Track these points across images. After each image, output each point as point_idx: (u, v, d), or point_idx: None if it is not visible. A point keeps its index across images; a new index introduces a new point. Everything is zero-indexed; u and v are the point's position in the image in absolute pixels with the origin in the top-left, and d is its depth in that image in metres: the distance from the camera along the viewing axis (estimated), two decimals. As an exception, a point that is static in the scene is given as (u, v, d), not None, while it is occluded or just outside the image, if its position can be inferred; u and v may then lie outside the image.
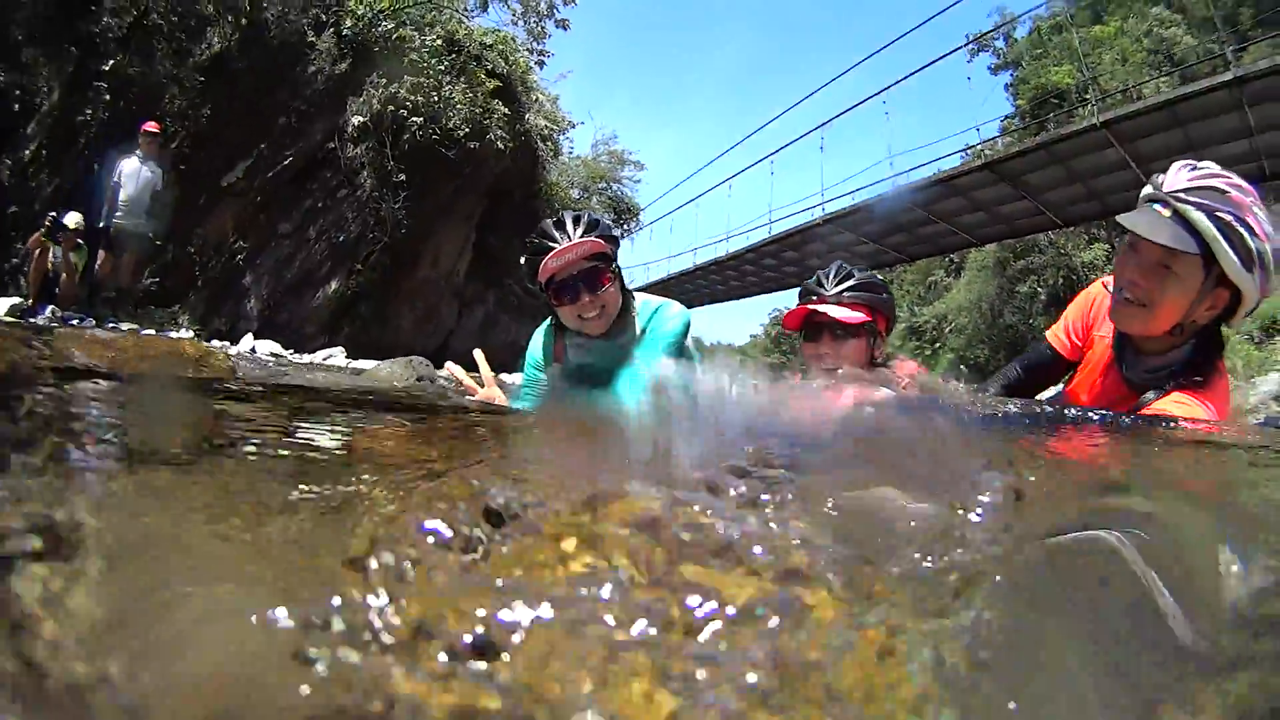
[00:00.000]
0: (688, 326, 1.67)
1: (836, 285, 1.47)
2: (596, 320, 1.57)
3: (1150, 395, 1.19)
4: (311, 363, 7.30)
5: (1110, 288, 1.26)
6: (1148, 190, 1.18)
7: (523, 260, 1.59)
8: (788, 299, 24.38)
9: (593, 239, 1.51)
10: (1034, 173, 9.66)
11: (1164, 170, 1.19)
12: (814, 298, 1.48)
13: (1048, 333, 1.48)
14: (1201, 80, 9.44)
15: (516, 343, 2.44)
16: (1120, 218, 1.15)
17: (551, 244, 1.51)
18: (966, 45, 11.01)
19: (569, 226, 1.54)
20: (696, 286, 15.39)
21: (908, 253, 12.15)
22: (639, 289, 1.81)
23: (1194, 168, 1.14)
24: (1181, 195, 1.10)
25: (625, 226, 13.34)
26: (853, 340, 1.45)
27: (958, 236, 11.15)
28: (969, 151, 10.86)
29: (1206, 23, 14.78)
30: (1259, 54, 11.47)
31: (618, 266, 1.60)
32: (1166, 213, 1.10)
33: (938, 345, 22.37)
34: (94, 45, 7.49)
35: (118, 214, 6.07)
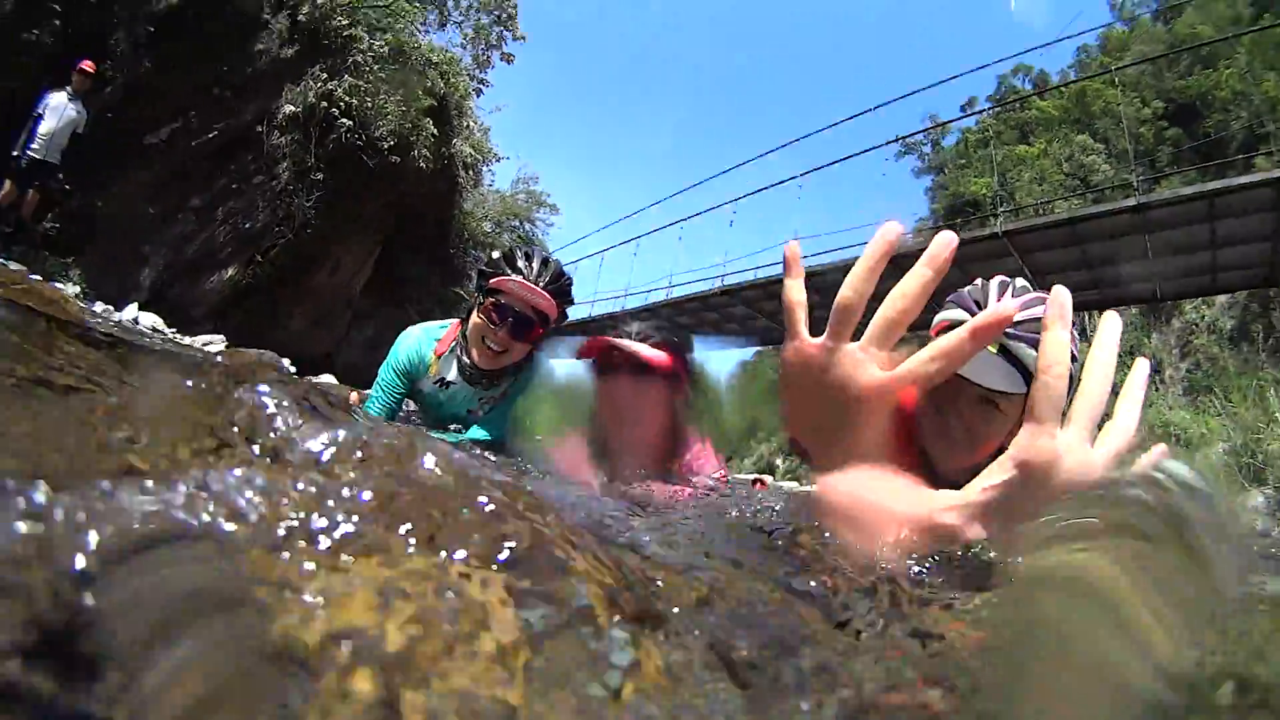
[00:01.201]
0: (549, 392, 1.73)
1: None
2: (492, 355, 1.58)
3: None
4: (190, 344, 7.29)
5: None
6: (960, 315, 1.05)
7: (495, 254, 1.64)
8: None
9: (551, 302, 1.56)
10: (933, 272, 10.35)
11: (972, 287, 1.09)
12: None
13: None
14: (1105, 204, 10.30)
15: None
16: None
17: (524, 274, 1.55)
18: (889, 144, 11.77)
19: (543, 269, 1.58)
20: (591, 335, 15.67)
21: (799, 333, 12.60)
22: None
23: (1015, 291, 1.05)
24: (1011, 330, 0.99)
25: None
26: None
27: (851, 323, 11.70)
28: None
29: (1125, 155, 16.27)
30: (1169, 188, 12.66)
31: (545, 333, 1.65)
32: (993, 349, 1.00)
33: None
34: (58, -37, 7.26)
35: (33, 146, 5.94)
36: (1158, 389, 18.01)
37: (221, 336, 7.47)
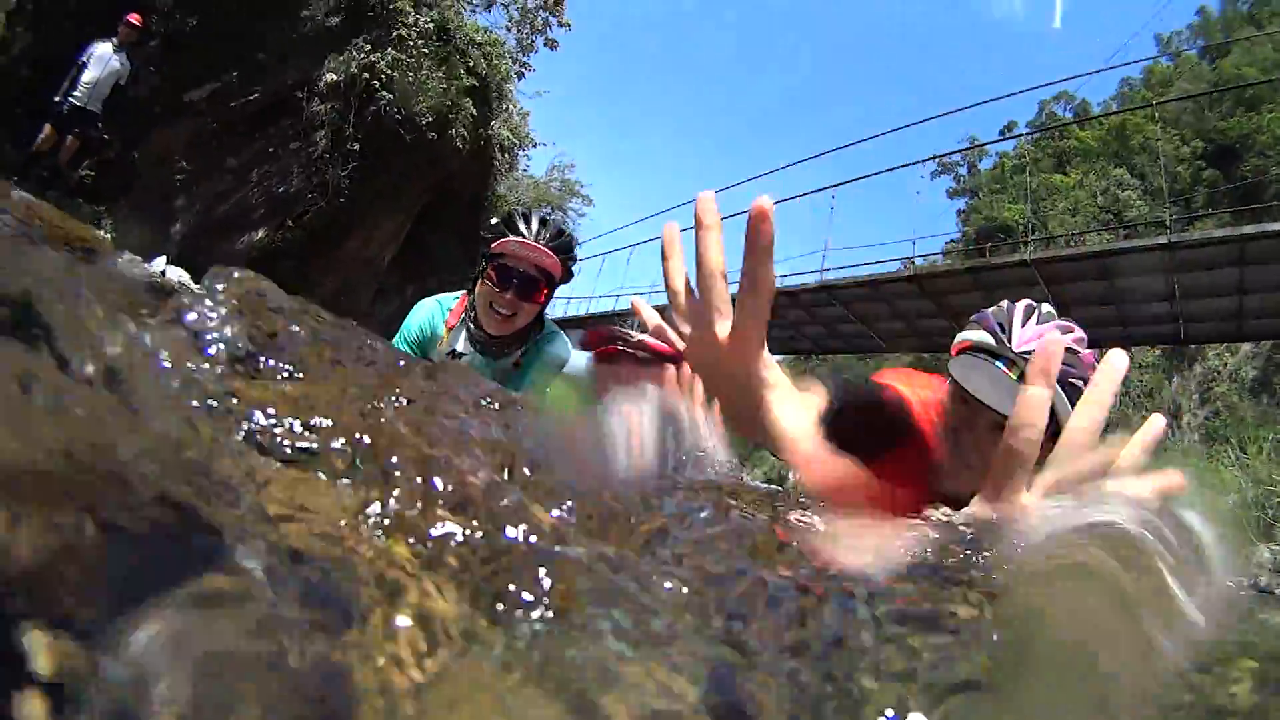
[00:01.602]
0: (562, 365, 1.75)
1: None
2: (501, 320, 1.59)
3: None
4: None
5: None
6: (983, 337, 1.00)
7: (493, 221, 1.68)
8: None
9: (555, 259, 1.57)
10: (958, 295, 10.39)
11: (996, 308, 1.05)
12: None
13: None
14: (1136, 240, 10.28)
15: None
16: (957, 372, 0.95)
17: (524, 234, 1.56)
18: (925, 161, 11.78)
19: (543, 228, 1.59)
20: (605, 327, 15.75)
21: (821, 346, 12.85)
22: (556, 320, 1.86)
23: (1040, 318, 1.01)
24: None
25: (561, 257, 13.48)
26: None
27: (872, 340, 11.88)
28: (904, 263, 11.63)
29: (1160, 193, 16.26)
30: (1202, 229, 12.64)
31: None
32: (1014, 375, 0.96)
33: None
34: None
35: (75, 93, 6.05)
36: (1174, 433, 18.00)
37: (248, 297, 7.59)
